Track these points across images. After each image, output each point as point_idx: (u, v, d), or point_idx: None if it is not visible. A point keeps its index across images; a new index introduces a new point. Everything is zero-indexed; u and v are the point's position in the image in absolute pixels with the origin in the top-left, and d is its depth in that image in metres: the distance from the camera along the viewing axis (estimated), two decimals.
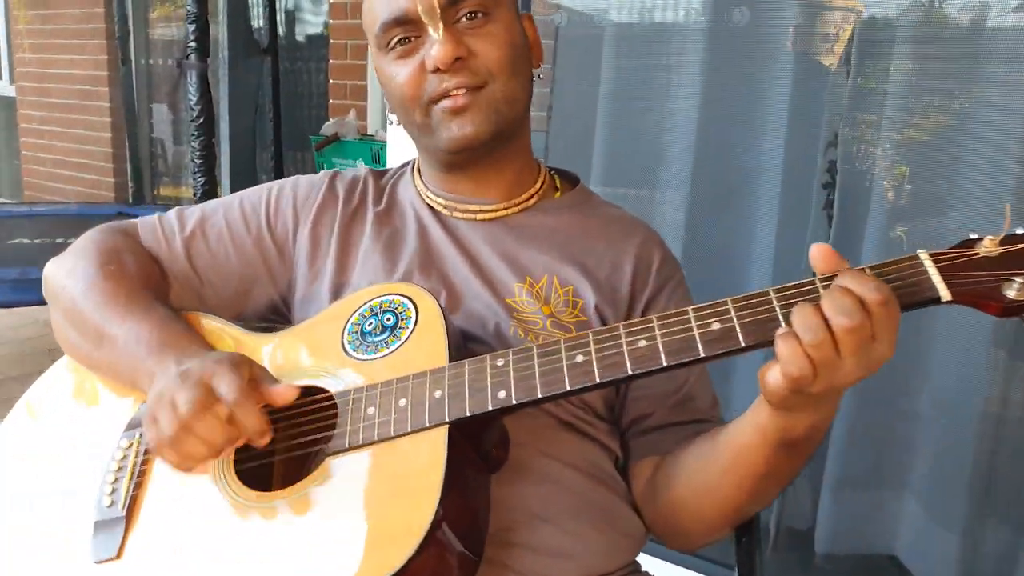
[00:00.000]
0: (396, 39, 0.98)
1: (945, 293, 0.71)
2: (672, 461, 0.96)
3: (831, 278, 0.74)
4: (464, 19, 0.96)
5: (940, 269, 0.72)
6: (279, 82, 3.70)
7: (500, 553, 0.87)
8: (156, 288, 1.05)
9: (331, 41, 3.98)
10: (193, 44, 2.86)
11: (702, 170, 1.85)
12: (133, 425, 0.95)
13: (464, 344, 0.93)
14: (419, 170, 1.13)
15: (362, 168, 1.19)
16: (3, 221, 3.94)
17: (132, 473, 0.90)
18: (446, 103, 0.97)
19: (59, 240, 3.54)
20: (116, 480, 0.90)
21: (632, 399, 1.02)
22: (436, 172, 1.08)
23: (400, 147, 2.00)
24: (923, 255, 0.74)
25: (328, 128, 3.61)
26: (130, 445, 0.93)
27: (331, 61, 3.96)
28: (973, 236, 0.76)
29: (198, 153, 2.91)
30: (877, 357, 0.71)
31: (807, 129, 1.75)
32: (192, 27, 2.84)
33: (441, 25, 0.95)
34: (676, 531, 0.98)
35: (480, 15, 0.96)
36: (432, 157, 1.06)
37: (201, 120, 2.89)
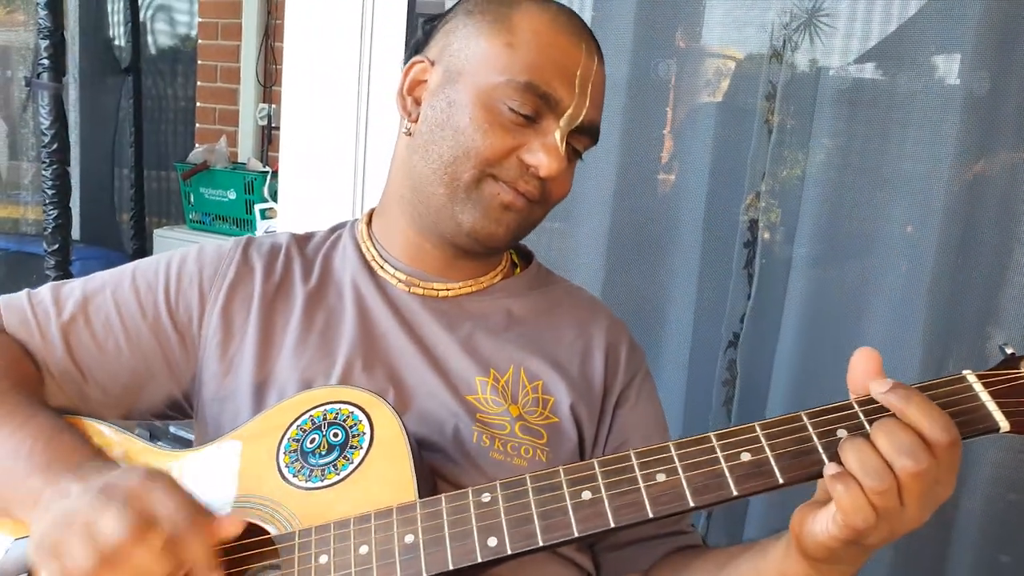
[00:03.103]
0: (520, 104, 0.84)
1: (1004, 424, 0.64)
2: None
3: (869, 401, 0.65)
4: (571, 147, 0.88)
5: (993, 395, 0.65)
6: (141, 103, 3.39)
7: None
8: (31, 388, 0.84)
9: (199, 62, 3.70)
10: (46, 61, 2.52)
11: (621, 221, 1.78)
12: (4, 574, 0.74)
13: (420, 456, 0.78)
14: (372, 238, 0.97)
15: (281, 234, 1.02)
16: None
17: None
18: (506, 194, 0.86)
19: None
20: None
21: None
22: (413, 239, 0.93)
23: (294, 181, 1.82)
24: (971, 377, 0.66)
25: (196, 156, 3.33)
26: None
27: (199, 84, 3.69)
28: (1009, 351, 0.69)
29: (51, 182, 2.56)
30: (938, 500, 0.62)
31: (729, 186, 1.70)
32: (45, 42, 2.51)
33: (566, 141, 0.86)
34: None
35: (580, 156, 0.92)
36: (429, 219, 0.90)
37: (55, 145, 2.55)
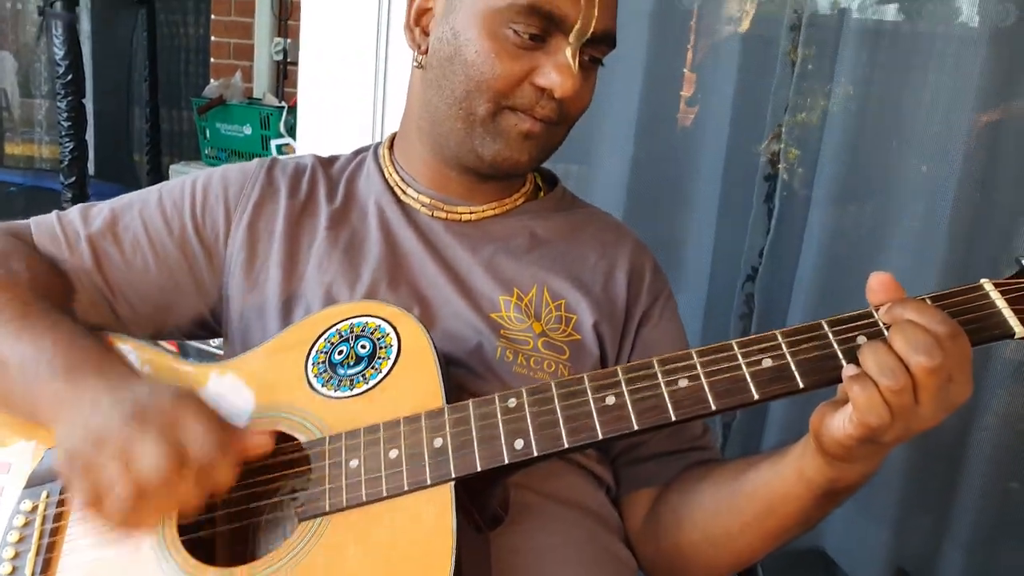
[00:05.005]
0: (525, 27, 0.82)
1: (1019, 329, 0.65)
2: (680, 501, 0.86)
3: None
4: (588, 58, 0.86)
5: (1009, 302, 0.66)
6: (156, 37, 3.37)
7: None
8: (59, 300, 0.85)
9: None
10: None
11: (642, 157, 1.77)
12: (37, 481, 0.76)
13: (447, 368, 0.80)
14: (394, 163, 0.98)
15: (306, 155, 1.03)
16: None
17: (39, 545, 0.73)
18: (524, 122, 0.85)
19: None
20: (16, 556, 0.72)
21: None
22: (435, 166, 0.93)
23: (313, 115, 1.81)
24: (988, 285, 0.67)
25: (212, 90, 3.32)
26: (33, 508, 0.74)
27: (213, 17, 3.65)
28: None
29: (65, 114, 2.58)
30: (955, 399, 0.63)
31: (751, 119, 1.69)
32: None
33: (578, 57, 0.83)
34: (680, 574, 0.89)
35: (601, 63, 0.88)
36: (451, 151, 0.90)
37: (69, 77, 2.56)
